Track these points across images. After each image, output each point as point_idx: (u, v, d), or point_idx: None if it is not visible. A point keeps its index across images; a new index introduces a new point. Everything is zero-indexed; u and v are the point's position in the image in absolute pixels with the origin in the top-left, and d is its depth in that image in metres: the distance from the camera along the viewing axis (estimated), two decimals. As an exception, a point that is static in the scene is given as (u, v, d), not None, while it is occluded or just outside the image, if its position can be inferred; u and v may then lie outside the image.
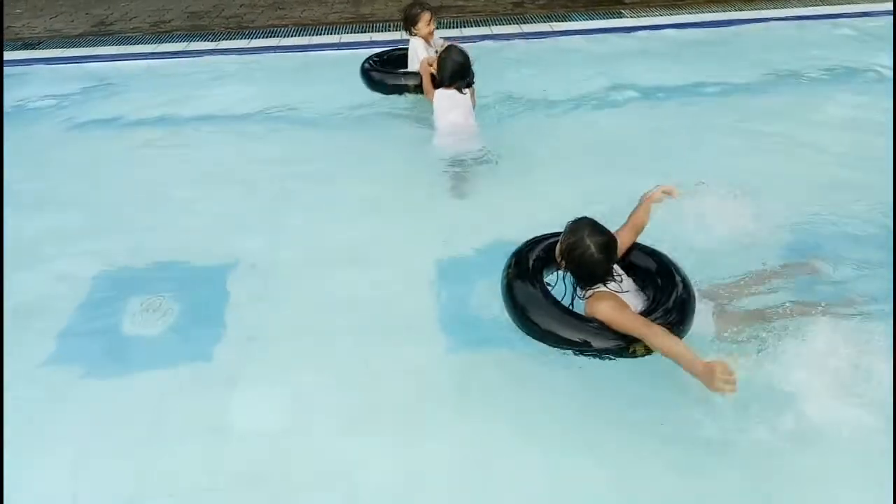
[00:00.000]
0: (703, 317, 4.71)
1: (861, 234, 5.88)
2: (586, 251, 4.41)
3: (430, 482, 4.20)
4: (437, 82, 7.61)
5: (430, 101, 7.69)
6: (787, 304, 4.81)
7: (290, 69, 10.53)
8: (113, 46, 11.75)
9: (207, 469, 4.30)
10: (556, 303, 4.63)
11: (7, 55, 11.07)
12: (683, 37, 10.98)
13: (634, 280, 4.82)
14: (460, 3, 13.21)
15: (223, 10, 13.61)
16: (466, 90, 7.53)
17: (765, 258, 5.38)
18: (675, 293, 4.59)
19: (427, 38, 8.38)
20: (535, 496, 4.08)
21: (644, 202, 5.08)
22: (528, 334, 4.63)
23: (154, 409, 4.69)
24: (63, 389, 4.88)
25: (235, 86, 9.89)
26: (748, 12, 11.82)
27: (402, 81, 8.42)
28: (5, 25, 12.71)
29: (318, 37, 11.89)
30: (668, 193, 5.11)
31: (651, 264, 4.91)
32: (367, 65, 8.72)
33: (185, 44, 11.73)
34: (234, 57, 11.11)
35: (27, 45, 11.96)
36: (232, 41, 11.77)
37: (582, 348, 4.45)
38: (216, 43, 11.68)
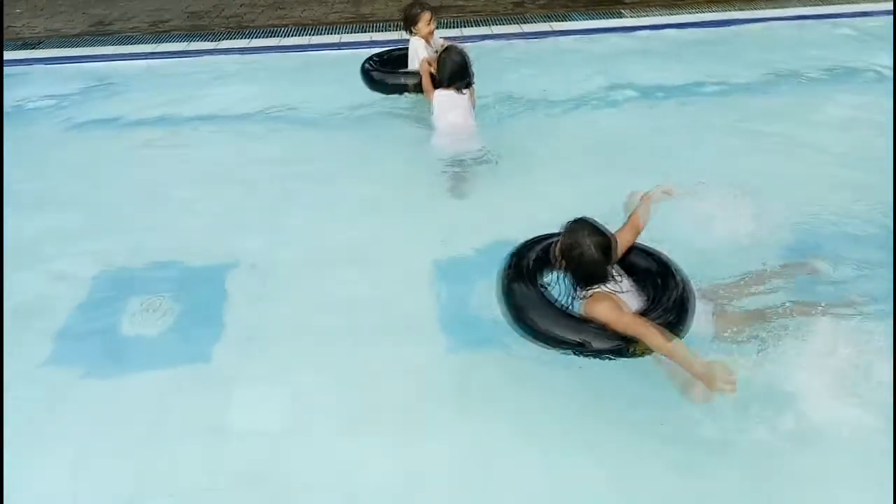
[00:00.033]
0: (702, 317, 4.71)
1: (861, 234, 5.88)
2: (584, 251, 4.41)
3: (430, 482, 4.20)
4: (437, 82, 7.61)
5: (430, 101, 7.68)
6: (787, 304, 4.82)
7: (290, 69, 10.51)
8: (112, 46, 11.73)
9: (207, 469, 4.31)
10: (552, 304, 4.63)
11: (6, 55, 11.05)
12: (683, 37, 10.98)
13: (633, 280, 4.81)
14: (460, 2, 13.21)
15: (223, 9, 13.60)
16: (466, 90, 7.53)
17: (765, 258, 5.38)
18: (674, 293, 4.60)
19: (427, 38, 8.37)
20: (535, 496, 4.09)
21: (643, 203, 5.08)
22: (525, 336, 4.63)
23: (154, 409, 4.69)
24: (63, 389, 4.88)
25: (235, 86, 9.88)
26: (748, 12, 11.81)
27: (402, 81, 8.41)
28: (5, 25, 12.69)
29: (318, 37, 11.87)
30: (667, 194, 5.11)
31: (649, 264, 4.91)
32: (367, 65, 8.72)
33: (185, 44, 11.71)
34: (233, 57, 11.10)
35: (26, 45, 11.94)
36: (232, 41, 11.76)
37: (579, 349, 4.44)
38: (216, 43, 11.67)
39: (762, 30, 11.09)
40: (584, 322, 4.49)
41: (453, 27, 11.52)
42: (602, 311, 4.40)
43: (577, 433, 4.38)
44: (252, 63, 10.84)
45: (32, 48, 11.83)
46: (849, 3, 11.85)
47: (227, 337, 5.26)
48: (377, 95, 8.58)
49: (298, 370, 4.97)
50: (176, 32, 12.36)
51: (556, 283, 4.79)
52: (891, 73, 8.83)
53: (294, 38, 11.87)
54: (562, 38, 11.18)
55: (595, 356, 4.43)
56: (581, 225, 4.50)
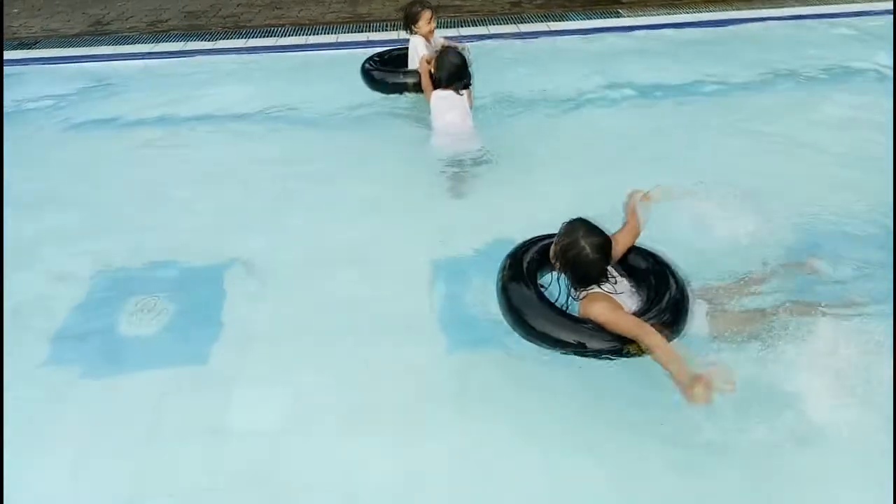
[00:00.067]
0: (702, 317, 4.71)
1: (861, 234, 5.88)
2: (581, 252, 4.41)
3: (430, 482, 4.19)
4: (435, 83, 7.61)
5: (429, 101, 7.68)
6: (787, 304, 4.81)
7: (287, 69, 10.51)
8: (110, 46, 11.72)
9: (207, 469, 4.30)
10: (550, 304, 4.63)
11: (4, 55, 11.03)
12: (681, 36, 10.98)
13: (631, 281, 4.81)
14: (457, 2, 13.21)
15: (220, 9, 13.60)
16: (464, 91, 7.54)
17: (765, 258, 5.38)
18: (670, 294, 4.60)
19: (427, 37, 8.37)
20: (535, 496, 4.08)
21: (641, 203, 5.09)
22: (523, 336, 4.63)
23: (154, 408, 4.69)
24: (63, 389, 4.88)
25: (233, 86, 9.87)
26: (746, 11, 11.82)
27: (402, 80, 8.40)
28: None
29: (316, 36, 11.88)
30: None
31: (646, 265, 4.91)
32: (367, 64, 8.72)
33: (183, 43, 11.70)
34: (231, 56, 11.09)
35: (23, 45, 11.92)
36: (229, 41, 11.75)
37: (576, 349, 4.44)
38: (213, 42, 11.66)
39: (760, 29, 11.10)
40: (581, 322, 4.49)
41: (450, 27, 11.51)
42: (599, 311, 4.40)
43: (577, 433, 4.37)
44: (250, 63, 10.84)
45: (29, 48, 11.81)
46: (847, 2, 11.87)
47: (227, 336, 5.25)
48: (376, 95, 8.59)
49: (298, 370, 4.96)
50: (174, 32, 12.35)
51: (554, 284, 4.79)
52: (891, 73, 8.84)
53: (291, 37, 11.87)
54: (559, 38, 11.19)
55: (592, 356, 4.44)
56: (578, 225, 4.50)
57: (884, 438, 4.10)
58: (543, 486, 4.10)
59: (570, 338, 4.44)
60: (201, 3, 13.92)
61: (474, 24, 12.01)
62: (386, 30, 11.83)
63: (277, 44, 11.55)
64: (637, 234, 5.00)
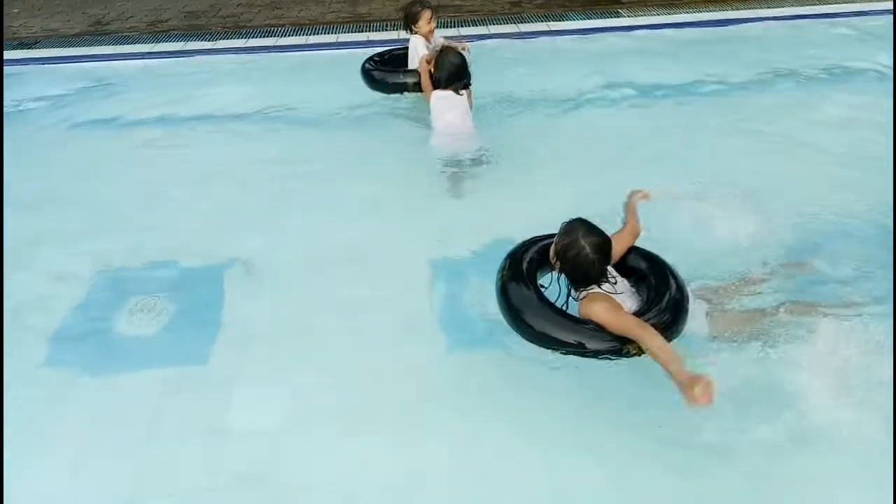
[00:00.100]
0: (702, 317, 4.71)
1: (861, 234, 5.87)
2: (581, 252, 4.40)
3: (430, 482, 4.19)
4: (435, 83, 7.61)
5: (429, 101, 7.68)
6: (787, 304, 4.82)
7: (287, 69, 10.51)
8: (110, 46, 11.72)
9: (207, 469, 4.30)
10: (550, 304, 4.63)
11: (4, 55, 11.03)
12: (681, 36, 10.98)
13: (630, 282, 4.81)
14: (457, 2, 13.21)
15: (220, 9, 13.60)
16: (463, 91, 7.54)
17: (765, 258, 5.39)
18: (669, 294, 4.60)
19: (427, 37, 8.37)
20: (535, 496, 4.08)
21: (637, 205, 5.11)
22: (522, 336, 4.63)
23: (154, 408, 4.69)
24: (63, 389, 4.88)
25: (233, 86, 9.87)
26: (746, 11, 11.81)
27: (402, 80, 8.39)
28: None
29: (316, 36, 11.87)
30: (644, 198, 5.16)
31: (645, 266, 4.91)
32: (367, 64, 8.72)
33: (182, 43, 11.70)
34: (231, 56, 11.09)
35: (23, 45, 11.92)
36: (229, 41, 11.75)
37: (575, 350, 4.44)
38: (213, 42, 11.66)
39: (760, 29, 11.09)
40: (580, 323, 4.49)
41: (450, 27, 11.51)
42: (598, 311, 4.39)
43: (577, 433, 4.37)
44: (249, 63, 10.83)
45: (29, 48, 11.81)
46: (847, 2, 11.86)
47: (227, 336, 5.25)
48: (375, 95, 8.58)
49: (298, 370, 4.96)
50: (173, 32, 12.35)
51: (554, 284, 4.78)
52: (890, 73, 8.83)
53: (291, 37, 11.86)
54: (559, 38, 11.18)
55: (592, 357, 4.43)
56: (578, 225, 4.49)
57: (884, 438, 4.10)
58: (543, 486, 4.10)
59: (569, 338, 4.43)
60: (201, 3, 13.92)
61: (474, 23, 12.01)
62: (386, 30, 11.83)
63: (277, 44, 11.55)
64: (637, 235, 5.00)
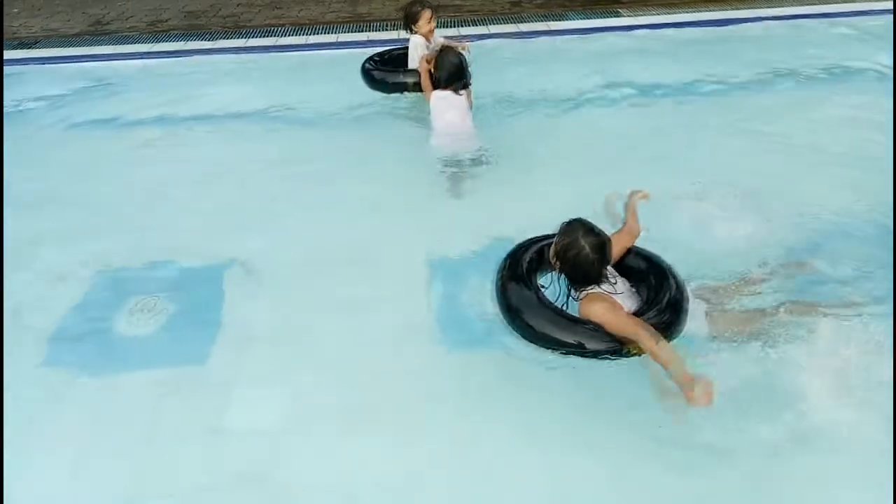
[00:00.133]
0: (702, 317, 4.71)
1: (861, 234, 5.87)
2: (580, 252, 4.41)
3: (430, 482, 4.20)
4: (434, 83, 7.60)
5: (429, 101, 7.68)
6: (787, 304, 4.82)
7: (287, 69, 10.50)
8: (110, 46, 11.71)
9: (207, 469, 4.30)
10: (549, 304, 4.63)
11: (4, 55, 11.03)
12: (681, 36, 10.97)
13: (629, 282, 4.81)
14: (457, 2, 13.21)
15: (220, 9, 13.60)
16: (463, 91, 7.53)
17: (765, 258, 5.39)
18: (668, 294, 4.60)
19: (427, 36, 8.36)
20: (535, 496, 4.08)
21: (637, 205, 5.11)
22: (522, 337, 4.63)
23: (154, 408, 4.69)
24: (62, 389, 4.87)
25: (233, 86, 9.86)
26: (746, 11, 11.80)
27: (402, 79, 8.39)
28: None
29: (316, 36, 11.87)
30: (643, 198, 5.16)
31: (644, 266, 4.91)
32: (367, 64, 8.71)
33: (182, 43, 11.69)
34: (231, 56, 11.08)
35: (23, 45, 11.91)
36: (229, 41, 11.75)
37: (575, 350, 4.44)
38: (213, 42, 11.65)
39: (760, 29, 11.08)
40: (579, 323, 4.49)
41: (450, 27, 11.50)
42: (597, 311, 4.40)
43: (577, 433, 4.37)
44: (249, 63, 10.82)
45: (29, 48, 11.81)
46: (847, 1, 11.85)
47: (227, 336, 5.25)
48: (375, 95, 8.58)
49: (298, 370, 4.96)
50: (173, 32, 12.35)
51: (553, 284, 4.78)
52: (890, 73, 8.82)
53: (291, 37, 11.85)
54: (559, 38, 11.16)
55: (591, 357, 4.43)
56: (577, 225, 4.50)
57: (884, 438, 4.10)
58: (543, 486, 4.10)
59: (568, 338, 4.44)
60: (201, 3, 13.92)
61: (474, 23, 12.00)
62: (386, 29, 11.83)
63: (277, 43, 11.55)
64: (636, 235, 5.00)
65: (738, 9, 11.96)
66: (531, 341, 4.57)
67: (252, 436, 4.49)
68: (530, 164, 7.31)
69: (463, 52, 7.80)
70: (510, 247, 5.10)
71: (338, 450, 4.39)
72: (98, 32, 12.53)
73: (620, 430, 4.36)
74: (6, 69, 10.28)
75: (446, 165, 7.32)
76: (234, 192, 7.15)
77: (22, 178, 7.40)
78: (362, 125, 8.32)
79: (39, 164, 7.95)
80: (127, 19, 13.22)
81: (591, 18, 11.94)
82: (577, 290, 4.60)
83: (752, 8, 11.94)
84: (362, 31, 11.92)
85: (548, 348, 4.51)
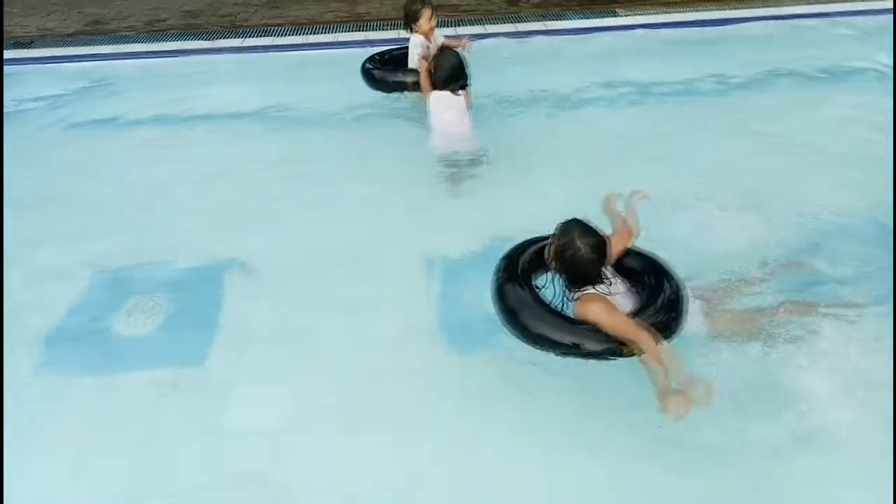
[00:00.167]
0: (701, 317, 4.71)
1: (861, 234, 5.87)
2: (577, 252, 4.40)
3: (430, 482, 4.21)
4: (433, 83, 7.60)
5: (427, 100, 7.67)
6: (787, 304, 4.83)
7: (286, 68, 10.47)
8: (107, 45, 11.67)
9: (207, 469, 4.31)
10: (546, 305, 4.63)
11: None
12: (680, 36, 10.93)
13: (627, 282, 4.81)
14: (454, 1, 13.18)
15: (218, 8, 13.57)
16: (461, 92, 7.53)
17: (764, 258, 5.39)
18: (666, 294, 4.60)
19: (427, 35, 8.33)
20: (535, 496, 4.10)
21: (635, 206, 5.12)
22: (518, 338, 4.62)
23: (154, 408, 4.70)
24: (62, 389, 4.88)
25: (232, 85, 9.84)
26: (745, 11, 11.78)
27: (402, 79, 8.37)
28: (-1, 24, 12.66)
29: (314, 36, 11.84)
30: (643, 198, 5.16)
31: (642, 266, 4.91)
32: (367, 64, 8.70)
33: (180, 43, 11.67)
34: (229, 56, 11.03)
35: (19, 45, 11.88)
36: (227, 40, 11.71)
37: (571, 350, 4.44)
38: (211, 42, 11.63)
39: (759, 28, 11.05)
40: (576, 323, 4.49)
41: (447, 26, 11.47)
42: (594, 311, 4.40)
43: (577, 433, 4.38)
44: (247, 63, 10.79)
45: (25, 47, 11.78)
46: (847, 1, 11.84)
47: (227, 336, 5.26)
48: (374, 95, 8.56)
49: (298, 370, 4.97)
50: (171, 32, 12.33)
51: (550, 285, 4.78)
52: (890, 73, 8.80)
53: (289, 37, 11.82)
54: (556, 38, 11.14)
55: (587, 357, 4.43)
56: (574, 226, 4.49)
57: (884, 438, 4.11)
58: (543, 486, 4.11)
59: (565, 338, 4.43)
60: (199, 3, 13.88)
61: (471, 23, 11.97)
62: (384, 29, 11.80)
63: (275, 43, 11.52)
64: (635, 235, 5.00)
65: (736, 8, 11.93)
66: (527, 342, 4.56)
67: (252, 436, 4.50)
68: (530, 164, 7.31)
69: (463, 51, 7.78)
70: (509, 247, 5.09)
71: (338, 450, 4.40)
72: (95, 32, 12.50)
73: (620, 430, 4.37)
74: (5, 69, 10.26)
75: (446, 165, 7.33)
76: (233, 192, 7.15)
77: (21, 178, 7.39)
78: (362, 125, 8.31)
79: (39, 164, 7.94)
80: (124, 19, 13.19)
81: (588, 18, 11.90)
82: (573, 291, 4.59)
83: (751, 7, 11.92)
84: (360, 30, 11.90)
85: (544, 349, 4.50)
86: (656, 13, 11.92)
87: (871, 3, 11.48)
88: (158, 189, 7.26)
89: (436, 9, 8.34)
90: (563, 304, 4.65)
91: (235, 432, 4.52)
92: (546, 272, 4.80)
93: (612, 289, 4.53)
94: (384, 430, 4.50)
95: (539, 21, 11.85)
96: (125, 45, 11.66)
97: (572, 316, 4.53)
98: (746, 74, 9.23)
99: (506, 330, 4.69)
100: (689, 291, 4.69)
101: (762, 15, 11.51)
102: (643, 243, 5.03)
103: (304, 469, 4.29)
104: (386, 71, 8.56)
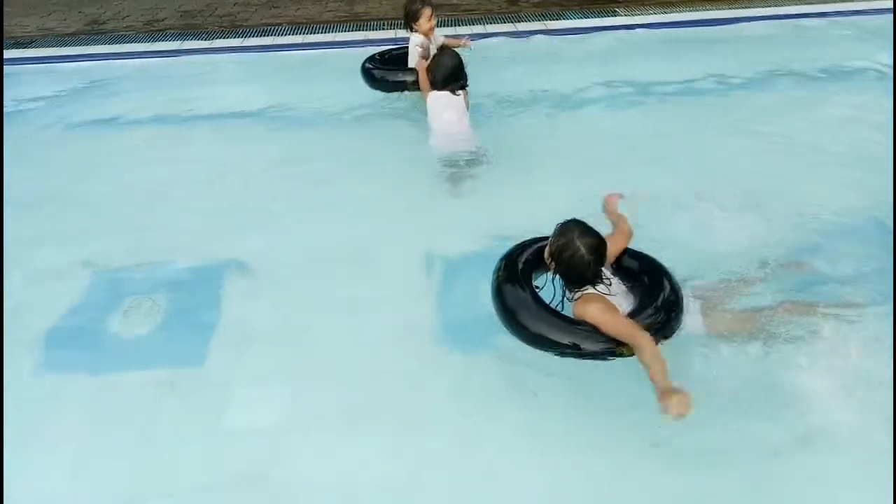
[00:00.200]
0: (701, 317, 4.71)
1: (861, 234, 5.87)
2: (576, 252, 4.40)
3: (430, 482, 4.20)
4: (432, 83, 7.59)
5: (426, 100, 7.67)
6: (786, 304, 4.82)
7: (285, 68, 10.49)
8: (106, 45, 11.69)
9: (207, 469, 4.30)
10: (545, 306, 4.62)
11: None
12: (679, 35, 10.96)
13: (625, 283, 4.81)
14: (454, 1, 13.19)
15: (216, 8, 13.58)
16: (460, 92, 7.53)
17: (764, 258, 5.38)
18: (663, 295, 4.59)
19: (428, 35, 8.32)
20: (535, 496, 4.09)
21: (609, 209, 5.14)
22: (517, 337, 4.62)
23: (154, 408, 4.69)
24: (63, 389, 4.87)
25: (231, 85, 9.87)
26: (745, 10, 11.79)
27: (402, 78, 8.37)
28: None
29: (313, 35, 11.85)
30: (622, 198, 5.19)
31: (640, 267, 4.91)
32: (367, 64, 8.70)
33: (179, 42, 11.68)
34: (228, 56, 11.05)
35: (19, 44, 11.89)
36: (226, 40, 11.73)
37: (569, 350, 4.43)
38: (210, 42, 11.64)
39: (759, 28, 11.07)
40: (574, 323, 4.48)
41: (447, 26, 11.47)
42: (592, 312, 4.39)
43: (577, 433, 4.37)
44: (246, 62, 10.81)
45: (24, 47, 11.79)
46: (847, 1, 11.84)
47: (227, 336, 5.25)
48: (374, 95, 8.56)
49: (298, 370, 4.97)
50: (170, 31, 12.33)
51: (548, 285, 4.78)
52: (890, 73, 8.81)
53: (288, 37, 11.84)
54: (556, 37, 11.14)
55: (585, 357, 4.42)
56: (573, 226, 4.49)
57: (884, 438, 4.10)
58: (544, 486, 4.10)
59: (563, 339, 4.42)
60: (197, 2, 13.90)
61: (471, 22, 11.99)
62: (383, 28, 11.81)
63: (274, 43, 11.54)
64: (630, 235, 5.00)
65: (736, 8, 11.94)
66: (526, 342, 4.55)
67: (252, 436, 4.49)
68: (530, 164, 7.30)
69: (463, 51, 7.78)
70: (509, 247, 5.09)
71: (338, 450, 4.39)
72: (94, 32, 12.51)
73: (620, 430, 4.36)
74: (4, 69, 10.26)
75: (444, 165, 7.32)
76: (233, 191, 7.15)
77: (21, 178, 7.39)
78: (362, 125, 8.31)
79: (39, 164, 7.94)
80: (123, 19, 13.20)
81: (588, 18, 11.92)
82: (572, 291, 4.60)
83: (751, 7, 11.93)
84: (359, 30, 11.91)
85: (542, 349, 4.50)
86: (656, 13, 11.94)
87: (871, 3, 11.49)
88: (158, 189, 7.26)
89: (436, 8, 8.33)
90: (562, 304, 4.64)
91: (235, 432, 4.51)
92: (545, 272, 4.80)
93: (610, 289, 4.53)
94: (384, 430, 4.49)
95: (539, 21, 11.87)
96: (125, 45, 11.68)
97: (571, 316, 4.53)
98: (746, 74, 9.24)
99: (505, 330, 4.68)
100: (688, 291, 4.70)
101: (762, 15, 11.53)
102: (644, 243, 5.03)
103: (304, 469, 4.28)
104: (386, 70, 8.56)
